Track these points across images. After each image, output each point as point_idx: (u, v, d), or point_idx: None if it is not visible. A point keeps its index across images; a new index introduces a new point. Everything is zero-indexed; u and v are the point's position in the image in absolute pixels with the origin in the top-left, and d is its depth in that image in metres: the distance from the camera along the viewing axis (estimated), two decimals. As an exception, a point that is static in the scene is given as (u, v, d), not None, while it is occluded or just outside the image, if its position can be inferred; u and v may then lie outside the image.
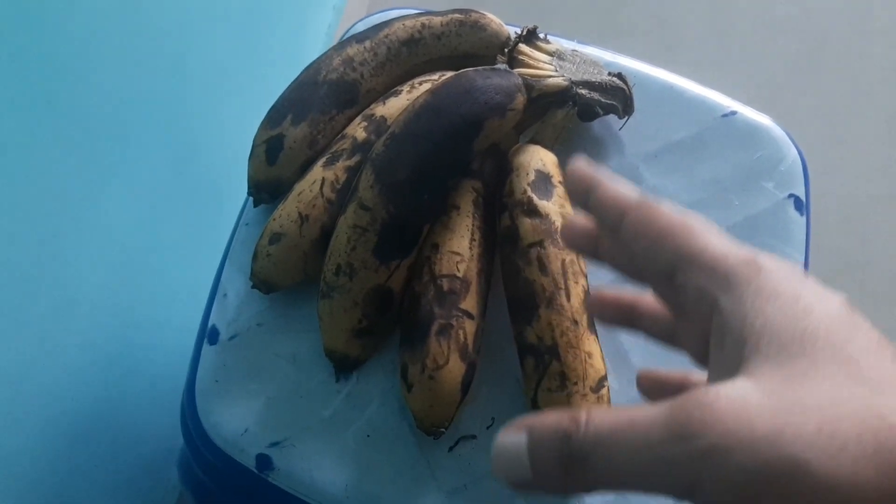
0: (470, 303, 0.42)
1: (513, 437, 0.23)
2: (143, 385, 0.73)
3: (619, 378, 0.44)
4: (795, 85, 1.30)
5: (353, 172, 0.45)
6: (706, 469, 0.19)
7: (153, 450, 0.76)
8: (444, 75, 0.48)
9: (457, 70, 0.45)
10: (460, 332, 0.41)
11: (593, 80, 0.48)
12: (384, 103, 0.47)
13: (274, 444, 0.42)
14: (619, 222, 0.26)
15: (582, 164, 0.28)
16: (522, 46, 0.49)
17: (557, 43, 0.51)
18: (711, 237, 0.25)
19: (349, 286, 0.42)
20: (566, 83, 0.47)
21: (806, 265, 0.49)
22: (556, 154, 0.46)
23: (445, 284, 0.42)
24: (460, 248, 0.43)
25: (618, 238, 0.27)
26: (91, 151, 0.57)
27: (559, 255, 0.41)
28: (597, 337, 0.41)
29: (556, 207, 0.43)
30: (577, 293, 0.41)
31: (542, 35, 0.50)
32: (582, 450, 0.21)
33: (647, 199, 0.26)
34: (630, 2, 1.39)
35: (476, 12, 0.51)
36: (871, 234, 1.18)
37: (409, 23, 0.50)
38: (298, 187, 0.45)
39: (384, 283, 0.42)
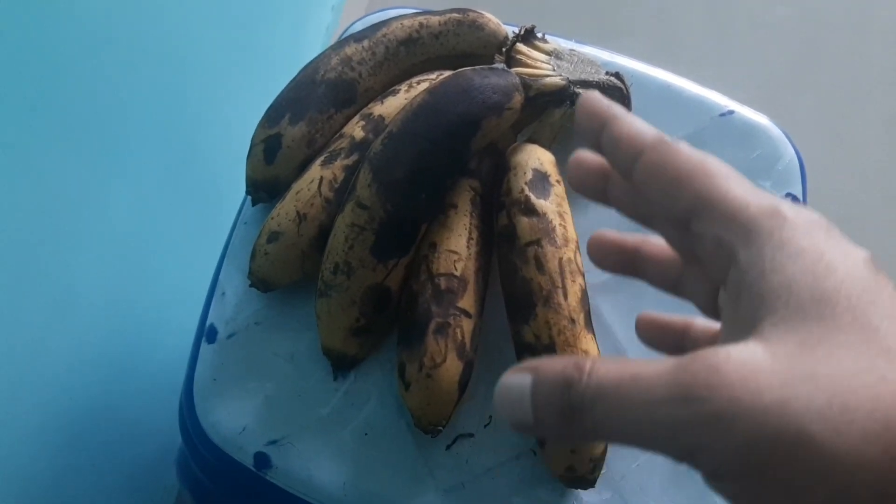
0: (467, 301, 0.42)
1: (518, 377, 0.22)
2: (141, 384, 0.73)
3: (616, 376, 0.44)
4: (793, 84, 1.30)
5: (351, 171, 0.45)
6: (708, 435, 0.19)
7: (151, 449, 0.76)
8: (441, 74, 0.48)
9: (455, 69, 0.45)
10: (458, 330, 0.41)
11: (591, 79, 0.48)
12: (382, 102, 0.47)
13: (272, 443, 0.42)
14: (633, 163, 0.24)
15: (596, 97, 0.26)
16: (520, 46, 0.49)
17: (555, 42, 0.51)
18: (733, 183, 0.23)
19: (347, 285, 0.42)
20: (564, 82, 0.47)
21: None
22: (554, 153, 0.46)
23: (443, 283, 0.42)
24: (458, 246, 0.43)
25: (631, 180, 0.25)
26: (89, 150, 0.57)
27: (556, 254, 0.41)
28: (594, 335, 0.42)
29: (553, 206, 0.43)
30: (574, 292, 0.41)
31: (539, 34, 0.51)
32: (582, 401, 0.21)
33: (665, 138, 0.24)
34: (628, 1, 1.39)
35: (474, 12, 0.51)
36: (869, 233, 1.18)
37: (407, 22, 0.50)
38: (296, 186, 0.45)
39: (382, 281, 0.42)
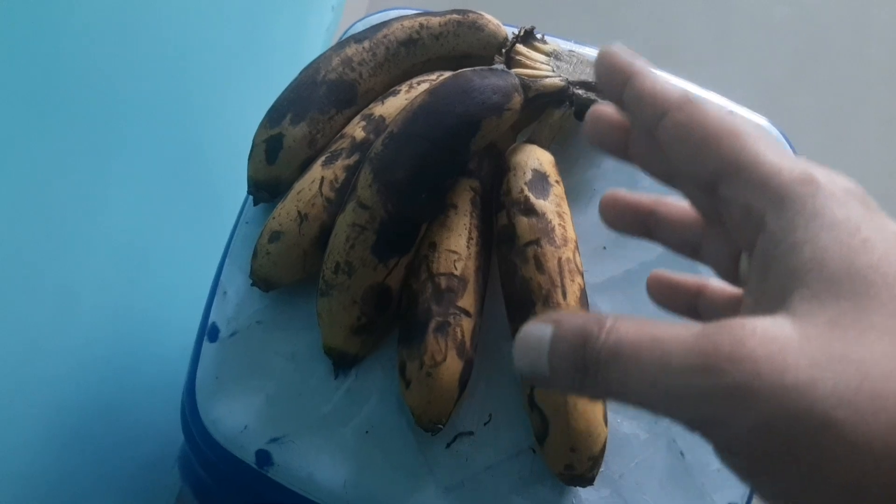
0: (467, 301, 0.42)
1: (539, 327, 0.22)
2: (141, 383, 0.73)
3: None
4: (791, 86, 1.31)
5: (352, 171, 0.45)
6: (725, 409, 0.18)
7: (151, 448, 0.77)
8: (442, 75, 0.48)
9: (455, 70, 0.45)
10: (458, 329, 0.41)
11: (590, 80, 0.49)
12: (383, 103, 0.48)
13: (273, 441, 0.43)
14: (658, 122, 0.23)
15: (618, 49, 0.25)
16: (520, 47, 0.50)
17: (555, 43, 0.51)
18: (763, 146, 0.22)
19: (348, 284, 0.42)
20: (563, 83, 0.48)
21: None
22: (553, 153, 0.46)
23: (443, 282, 0.42)
24: (458, 246, 0.43)
25: (654, 138, 0.24)
26: (91, 150, 0.57)
27: (555, 254, 0.42)
28: (593, 334, 0.42)
29: (552, 206, 0.43)
30: (573, 291, 0.41)
31: (539, 35, 0.51)
32: (598, 358, 0.20)
33: (692, 96, 0.23)
34: (627, 3, 1.39)
35: (474, 13, 0.51)
36: (868, 233, 1.19)
37: (407, 23, 0.50)
38: (298, 186, 0.45)
39: (382, 281, 0.42)
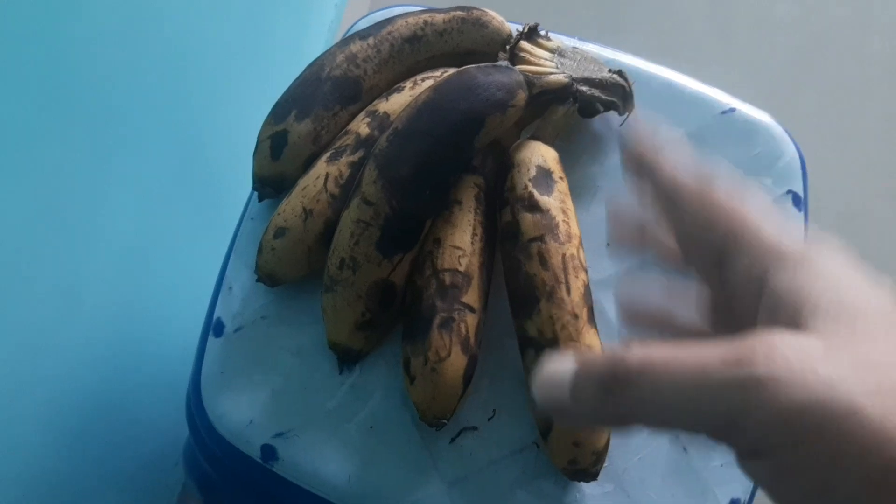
0: (471, 296, 0.42)
1: (559, 360, 0.23)
2: (144, 381, 0.73)
3: (618, 371, 0.44)
4: (794, 82, 1.31)
5: (357, 168, 0.45)
6: (757, 396, 0.19)
7: (154, 445, 0.77)
8: (446, 72, 0.49)
9: (459, 67, 0.46)
10: (462, 325, 0.41)
11: (594, 77, 0.49)
12: (387, 99, 0.48)
13: (278, 435, 0.43)
14: (673, 196, 0.27)
15: (641, 128, 0.30)
16: (524, 43, 0.50)
17: (558, 40, 0.51)
18: (764, 221, 0.25)
19: (352, 280, 0.42)
20: (567, 80, 0.48)
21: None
22: (557, 150, 0.47)
23: (447, 278, 0.42)
24: (462, 242, 0.43)
25: (672, 211, 0.27)
26: (96, 147, 0.58)
27: (559, 250, 0.42)
28: (597, 330, 0.42)
29: (556, 203, 0.43)
30: (577, 287, 0.41)
31: (543, 32, 0.51)
32: (628, 373, 0.21)
33: (705, 177, 0.27)
34: (630, 0, 1.39)
35: (478, 9, 0.51)
36: (870, 230, 1.19)
37: (411, 20, 0.51)
38: (302, 182, 0.45)
39: (387, 276, 0.43)
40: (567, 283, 0.41)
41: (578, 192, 0.49)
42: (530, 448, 0.43)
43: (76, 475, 0.65)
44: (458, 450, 0.43)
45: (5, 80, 0.46)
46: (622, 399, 0.22)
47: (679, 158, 0.28)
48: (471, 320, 0.42)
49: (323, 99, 0.47)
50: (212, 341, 0.46)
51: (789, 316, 0.22)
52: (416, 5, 0.53)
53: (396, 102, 0.47)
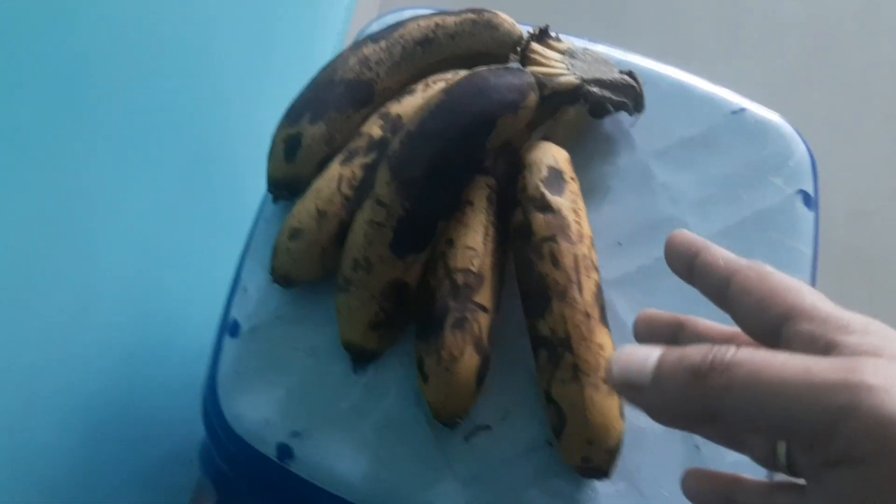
0: (484, 296, 0.43)
1: (645, 348, 0.25)
2: (159, 382, 0.74)
3: (630, 370, 0.44)
4: (804, 82, 1.31)
5: (370, 170, 0.46)
6: (862, 401, 0.20)
7: (169, 445, 0.77)
8: (457, 74, 0.49)
9: (470, 69, 0.46)
10: (475, 324, 0.42)
11: (604, 78, 0.49)
12: (399, 102, 0.48)
13: (294, 434, 0.44)
14: (728, 280, 0.28)
15: (685, 232, 0.31)
16: (535, 45, 0.50)
17: (569, 42, 0.52)
18: (820, 298, 0.26)
19: (366, 280, 0.43)
20: (578, 81, 0.48)
21: (815, 260, 0.49)
22: (568, 151, 0.47)
23: (460, 278, 0.43)
24: (474, 243, 0.44)
25: (722, 298, 0.28)
26: (112, 150, 0.58)
27: (571, 250, 0.42)
28: (608, 330, 0.42)
29: (568, 203, 0.44)
30: (588, 287, 0.42)
31: (553, 34, 0.51)
32: (727, 360, 0.22)
33: (757, 262, 0.28)
34: (640, 1, 1.39)
35: (489, 12, 0.52)
36: (880, 229, 1.19)
37: (423, 23, 0.51)
38: (316, 184, 0.46)
39: (400, 277, 0.43)
40: (579, 282, 0.41)
41: (590, 192, 0.50)
42: (543, 447, 0.43)
43: (93, 475, 0.66)
44: (471, 449, 0.43)
45: (19, 84, 0.47)
46: (712, 385, 0.22)
47: (721, 253, 0.29)
48: (483, 320, 0.42)
49: (336, 102, 0.48)
50: (228, 342, 0.47)
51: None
52: (425, 7, 0.54)
53: (409, 105, 0.48)
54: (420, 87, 0.49)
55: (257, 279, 0.48)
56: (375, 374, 0.45)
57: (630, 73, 0.50)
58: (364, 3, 1.21)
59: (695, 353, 0.23)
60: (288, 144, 0.47)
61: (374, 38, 0.51)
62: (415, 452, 0.43)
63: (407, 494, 0.42)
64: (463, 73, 0.46)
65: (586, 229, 0.44)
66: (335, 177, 0.46)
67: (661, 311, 0.34)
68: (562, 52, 0.50)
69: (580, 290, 0.41)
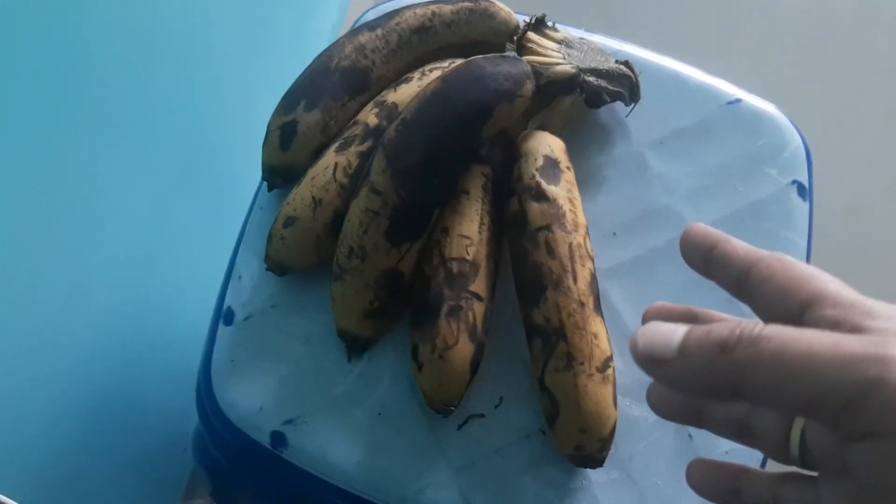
0: (479, 285, 0.43)
1: (671, 325, 0.25)
2: (156, 367, 0.74)
3: (624, 358, 0.45)
4: (800, 73, 1.31)
5: (366, 157, 0.46)
6: (892, 372, 0.20)
7: (162, 435, 0.78)
8: (454, 62, 0.49)
9: (466, 57, 0.46)
10: (469, 313, 0.42)
11: (600, 67, 0.49)
12: (395, 90, 0.48)
13: (288, 422, 0.44)
14: (748, 270, 0.28)
15: (702, 225, 0.30)
16: (531, 34, 0.50)
17: (565, 31, 0.51)
18: (844, 286, 0.26)
19: (361, 268, 0.43)
20: (574, 71, 0.48)
21: (809, 251, 0.50)
22: (564, 140, 0.47)
23: (455, 267, 0.43)
24: (470, 231, 0.44)
25: (741, 288, 0.28)
26: (106, 140, 0.58)
27: (566, 239, 0.42)
28: (602, 319, 0.42)
29: (563, 192, 0.44)
30: (583, 276, 0.42)
31: (550, 23, 0.51)
32: (754, 334, 0.22)
33: (774, 253, 0.28)
34: (636, -9, 1.39)
35: (485, 0, 0.52)
36: (875, 221, 1.19)
37: (419, 11, 0.51)
38: (312, 172, 0.46)
39: (395, 265, 0.43)
40: (573, 271, 0.42)
41: (585, 181, 0.50)
42: (537, 435, 0.44)
43: (86, 464, 0.66)
44: (465, 436, 0.43)
45: (13, 78, 0.47)
46: (738, 358, 0.22)
47: (740, 244, 0.29)
48: (478, 308, 0.42)
49: (332, 89, 0.48)
50: (222, 329, 0.47)
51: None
52: (422, -4, 0.53)
53: (405, 93, 0.48)
54: (416, 75, 0.49)
55: (252, 267, 0.48)
56: (370, 362, 0.45)
57: (626, 63, 0.50)
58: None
59: (722, 327, 0.23)
60: (283, 132, 0.47)
61: (370, 25, 0.50)
62: (409, 440, 0.43)
63: (400, 482, 0.42)
64: (459, 61, 0.46)
65: (581, 219, 0.44)
66: (330, 164, 0.46)
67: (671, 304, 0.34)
68: (558, 42, 0.50)
69: (575, 279, 0.41)
